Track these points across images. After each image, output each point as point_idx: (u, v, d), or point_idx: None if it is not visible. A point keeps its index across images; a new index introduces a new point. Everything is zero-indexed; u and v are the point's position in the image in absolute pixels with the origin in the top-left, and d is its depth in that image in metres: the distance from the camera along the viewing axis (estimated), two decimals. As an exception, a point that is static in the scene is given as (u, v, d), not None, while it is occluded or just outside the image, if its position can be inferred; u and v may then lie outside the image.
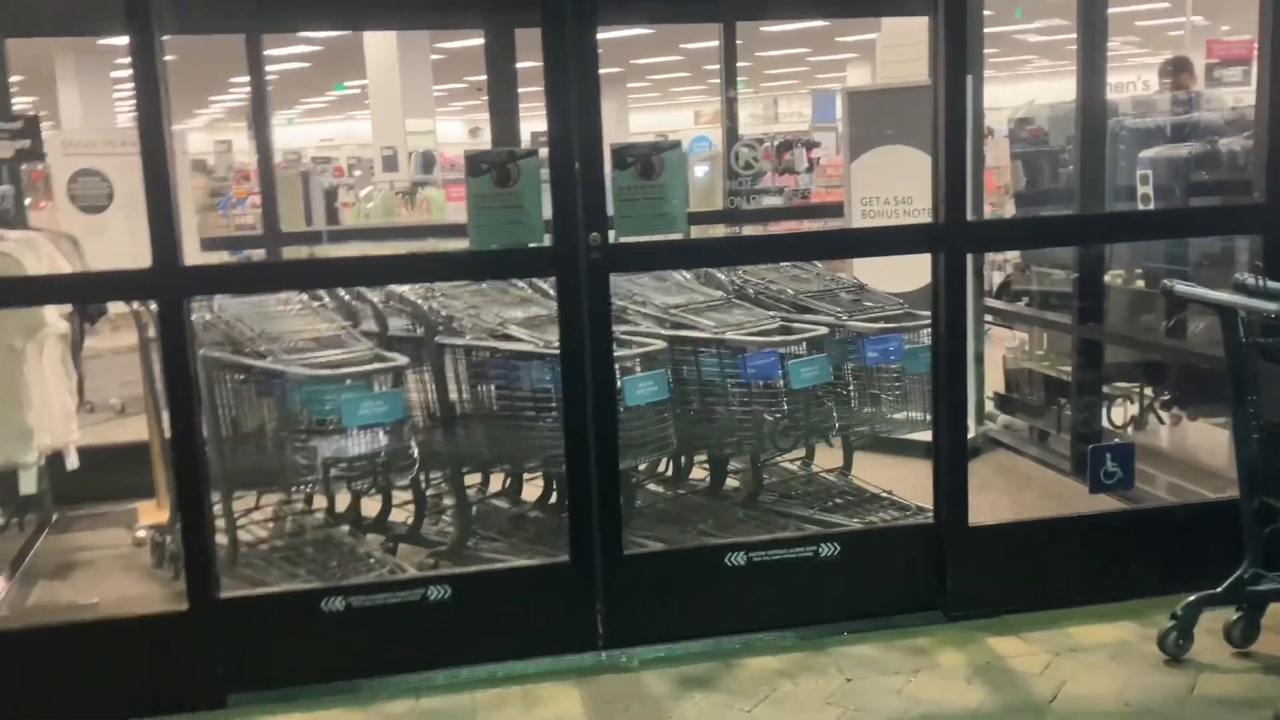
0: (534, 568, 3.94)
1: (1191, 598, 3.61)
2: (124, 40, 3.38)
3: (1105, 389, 5.53)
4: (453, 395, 4.34)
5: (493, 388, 4.20)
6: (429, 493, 4.63)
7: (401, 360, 4.01)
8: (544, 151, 3.68)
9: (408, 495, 4.56)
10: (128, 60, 3.38)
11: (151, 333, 4.82)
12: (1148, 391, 5.53)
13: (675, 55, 25.50)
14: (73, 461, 4.64)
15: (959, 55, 3.76)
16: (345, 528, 4.54)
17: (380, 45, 15.62)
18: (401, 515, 4.72)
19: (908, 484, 4.83)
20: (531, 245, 3.73)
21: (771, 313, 4.46)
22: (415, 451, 3.99)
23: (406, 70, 15.57)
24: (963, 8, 3.76)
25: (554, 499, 4.78)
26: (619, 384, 3.84)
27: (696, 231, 6.84)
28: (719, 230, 7.28)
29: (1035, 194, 6.27)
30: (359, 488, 3.96)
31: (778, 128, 23.07)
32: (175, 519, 4.75)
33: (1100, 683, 3.53)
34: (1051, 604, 4.04)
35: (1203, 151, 4.74)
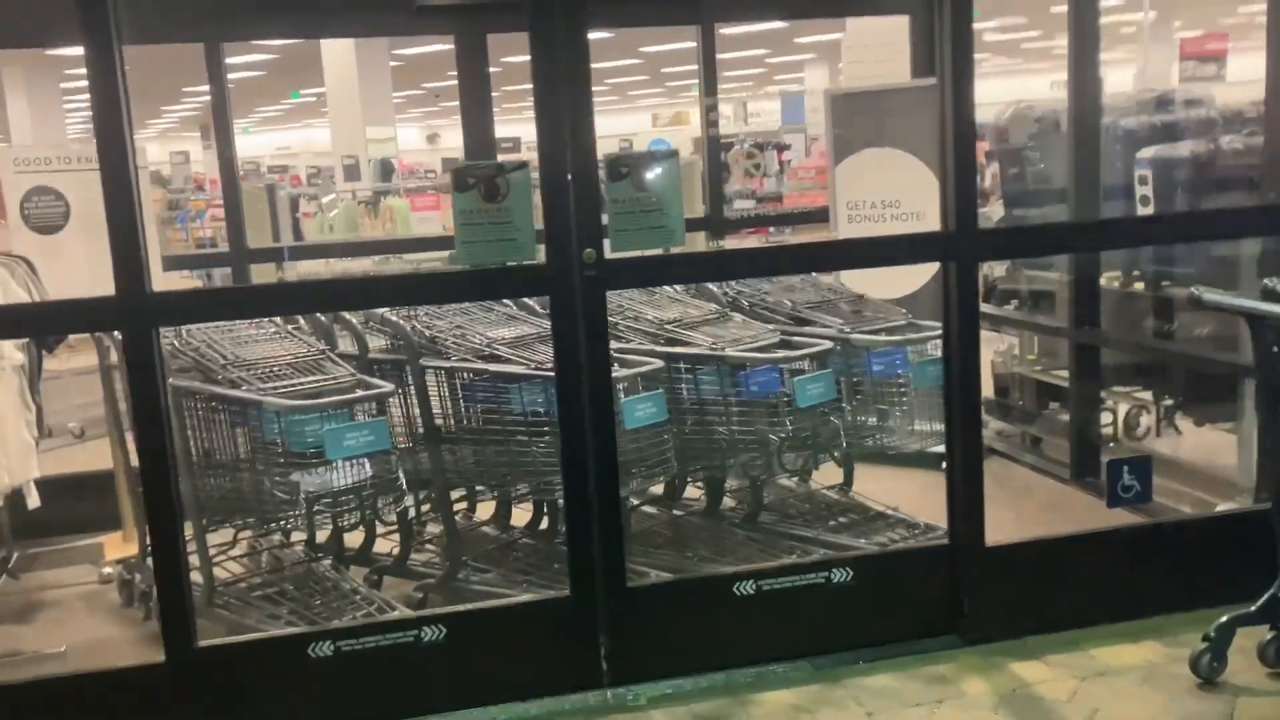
0: (533, 604, 3.73)
1: (1224, 618, 3.46)
2: (75, 50, 3.13)
3: (1103, 394, 5.39)
4: (438, 420, 4.12)
5: (481, 411, 3.98)
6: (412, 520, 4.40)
7: (387, 387, 3.79)
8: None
9: (391, 523, 4.33)
10: (81, 72, 3.13)
11: (114, 357, 4.57)
12: (1146, 396, 5.39)
13: (634, 59, 25.29)
14: (34, 500, 4.37)
15: (965, 55, 3.58)
16: (327, 562, 4.29)
17: (339, 52, 15.30)
18: (384, 546, 4.50)
19: (905, 496, 4.67)
20: (523, 263, 3.51)
21: (769, 326, 4.27)
22: (403, 482, 3.77)
23: (365, 77, 15.27)
24: (968, 5, 3.58)
25: (544, 524, 4.57)
26: (618, 406, 3.64)
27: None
28: (698, 238, 7.08)
29: (1016, 195, 6.13)
30: (346, 523, 3.72)
31: (744, 129, 22.96)
32: (145, 553, 4.53)
33: (1134, 710, 3.37)
34: (1071, 624, 3.89)
35: (1204, 150, 4.60)
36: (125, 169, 3.14)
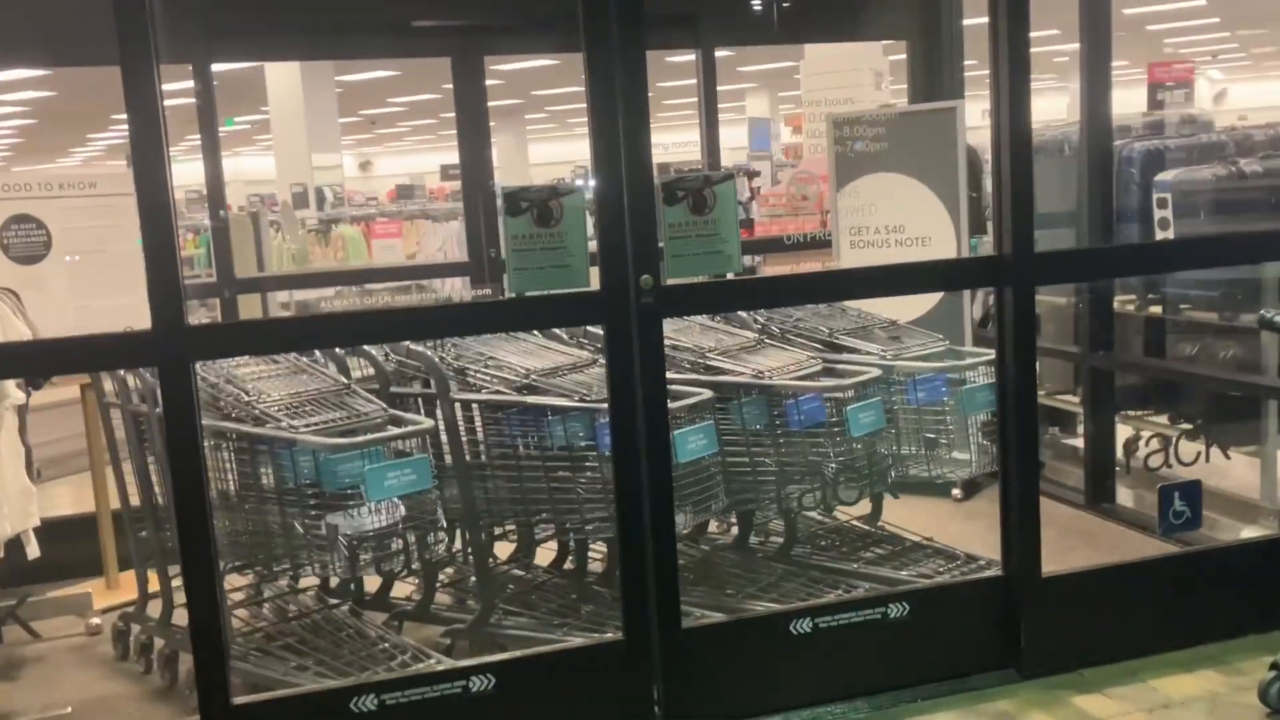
0: (584, 649, 3.55)
1: (1296, 646, 3.40)
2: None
3: (1118, 418, 5.36)
4: (468, 454, 3.93)
5: (520, 445, 3.80)
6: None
7: (426, 423, 3.60)
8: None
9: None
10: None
11: (109, 387, 4.31)
12: (1161, 419, 5.36)
13: (576, 86, 25.22)
14: (33, 550, 4.07)
15: (1022, 75, 3.51)
16: (346, 607, 4.07)
17: (284, 78, 14.97)
18: (400, 589, 4.28)
19: (919, 523, 4.57)
20: (577, 290, 3.36)
21: (807, 353, 4.15)
22: (443, 522, 3.58)
23: (311, 103, 14.96)
24: (1025, 18, 3.51)
25: (569, 563, 4.39)
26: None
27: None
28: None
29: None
30: (390, 569, 3.50)
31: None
32: (144, 602, 4.27)
33: (1213, 744, 3.29)
34: (1125, 654, 3.81)
35: (1227, 174, 4.60)
36: (163, 196, 2.94)
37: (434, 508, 3.54)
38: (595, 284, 3.34)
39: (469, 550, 3.95)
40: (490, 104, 6.15)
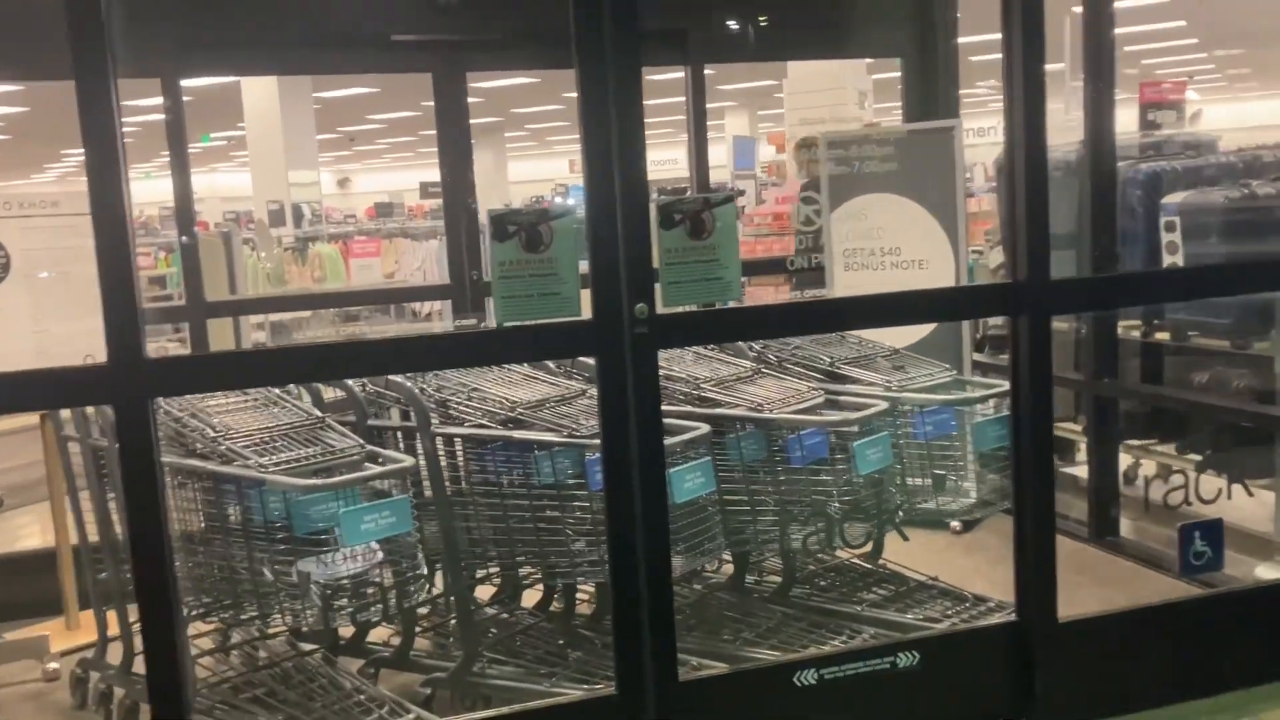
0: (576, 704, 3.32)
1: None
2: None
3: (1121, 449, 5.18)
4: (450, 491, 3.71)
5: (504, 482, 3.58)
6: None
7: (406, 461, 3.37)
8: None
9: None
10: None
11: (66, 423, 4.07)
12: (1167, 448, 5.18)
13: (555, 104, 25.05)
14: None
15: (1038, 95, 3.33)
16: (319, 654, 3.83)
17: (261, 94, 14.73)
18: (375, 634, 4.04)
19: (919, 558, 4.35)
20: (567, 319, 3.14)
21: (808, 384, 3.95)
22: (424, 568, 3.35)
23: (289, 119, 14.72)
24: (1040, 35, 3.33)
25: (554, 605, 4.16)
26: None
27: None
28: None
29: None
30: (367, 617, 3.27)
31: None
32: (103, 648, 4.02)
33: (1248, 805, 3.09)
34: (1144, 704, 3.62)
35: (1240, 197, 4.43)
36: (119, 219, 2.71)
37: (414, 551, 3.30)
38: (587, 312, 3.13)
39: (450, 593, 3.70)
40: (470, 121, 5.96)
